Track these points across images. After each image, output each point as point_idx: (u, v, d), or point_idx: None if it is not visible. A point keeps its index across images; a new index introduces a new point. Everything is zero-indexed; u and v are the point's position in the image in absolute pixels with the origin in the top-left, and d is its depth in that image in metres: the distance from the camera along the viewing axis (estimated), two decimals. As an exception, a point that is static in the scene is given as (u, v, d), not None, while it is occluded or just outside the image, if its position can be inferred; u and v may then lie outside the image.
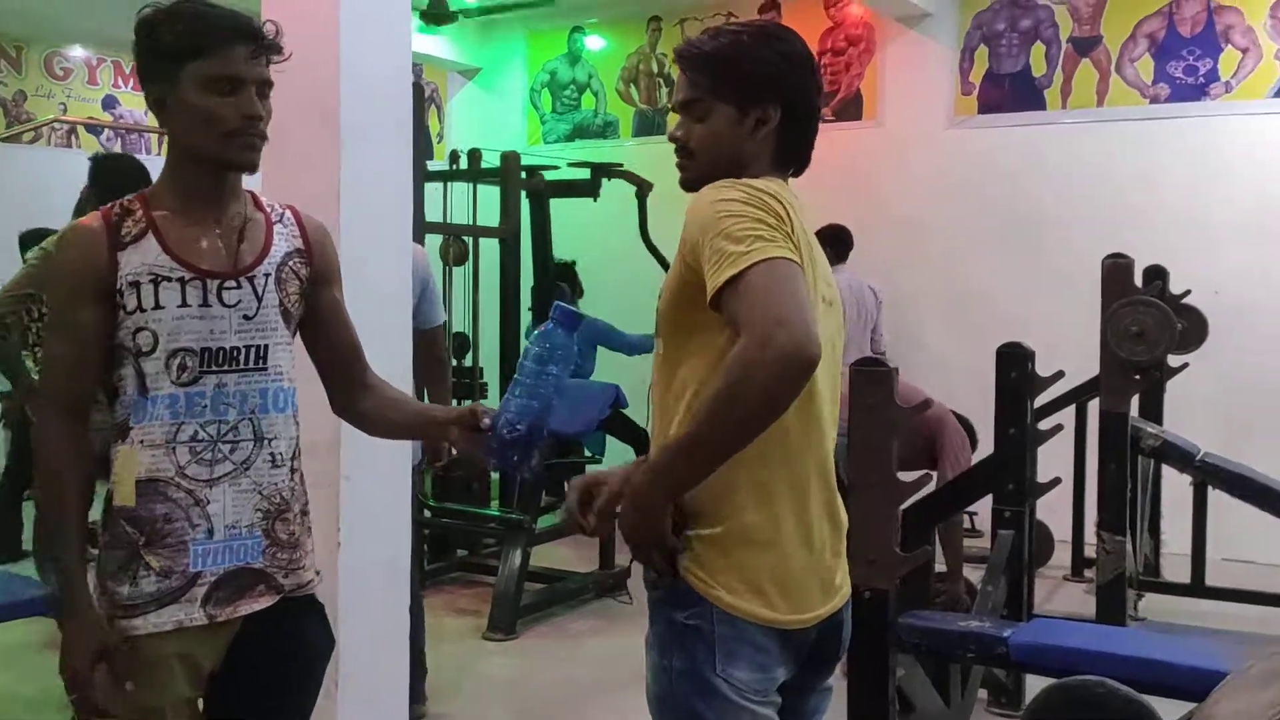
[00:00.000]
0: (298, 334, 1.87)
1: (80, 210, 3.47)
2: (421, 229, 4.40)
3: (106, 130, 8.57)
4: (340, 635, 2.70)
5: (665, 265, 6.35)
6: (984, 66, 6.72)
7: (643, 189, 6.27)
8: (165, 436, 1.70)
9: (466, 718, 3.78)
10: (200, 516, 1.70)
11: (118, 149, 8.43)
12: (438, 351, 3.81)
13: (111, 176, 3.62)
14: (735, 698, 1.57)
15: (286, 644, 1.80)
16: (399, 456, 2.92)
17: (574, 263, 6.61)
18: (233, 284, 1.74)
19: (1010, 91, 6.66)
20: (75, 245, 1.73)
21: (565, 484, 6.10)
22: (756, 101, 1.66)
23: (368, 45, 2.78)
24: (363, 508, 2.81)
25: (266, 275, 1.77)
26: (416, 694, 3.56)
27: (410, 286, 3.15)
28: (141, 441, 1.70)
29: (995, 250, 6.54)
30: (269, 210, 1.85)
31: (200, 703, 1.79)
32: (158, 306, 1.69)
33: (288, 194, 2.78)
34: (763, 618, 1.58)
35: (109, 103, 8.86)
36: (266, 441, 1.75)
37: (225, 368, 1.72)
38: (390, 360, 2.88)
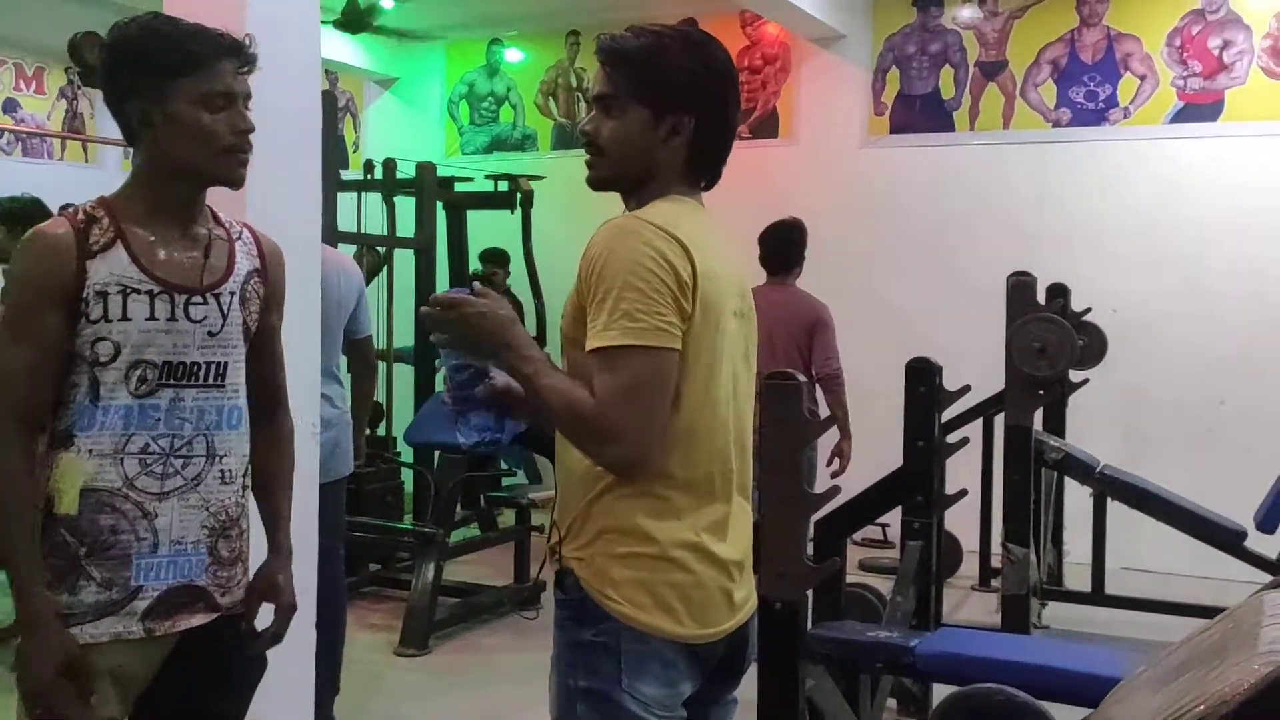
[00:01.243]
0: None
1: None
2: (334, 238, 4.34)
3: (6, 134, 8.27)
4: (244, 654, 2.65)
5: (535, 281, 6.36)
6: (895, 88, 6.87)
7: (526, 197, 6.26)
8: (115, 447, 1.69)
9: (376, 736, 3.71)
10: (147, 530, 1.69)
11: (19, 154, 8.16)
12: (370, 360, 3.86)
13: None
14: (641, 713, 1.57)
15: (220, 662, 1.79)
16: (307, 471, 2.86)
17: (492, 275, 6.58)
18: (199, 300, 1.74)
19: (921, 112, 6.82)
20: (44, 252, 1.69)
21: (481, 497, 6.06)
22: (672, 108, 1.64)
23: (276, 50, 2.72)
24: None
25: (232, 294, 1.78)
26: (325, 710, 3.49)
27: (318, 298, 3.10)
28: (90, 450, 1.68)
29: (906, 267, 6.68)
30: (228, 226, 1.84)
31: None
32: (124, 318, 1.68)
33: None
34: (670, 633, 1.58)
35: (9, 106, 8.56)
36: (218, 458, 1.75)
37: (185, 382, 1.73)
38: (297, 372, 2.83)
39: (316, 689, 3.11)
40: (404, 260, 5.99)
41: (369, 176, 6.08)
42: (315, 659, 3.04)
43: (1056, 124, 6.53)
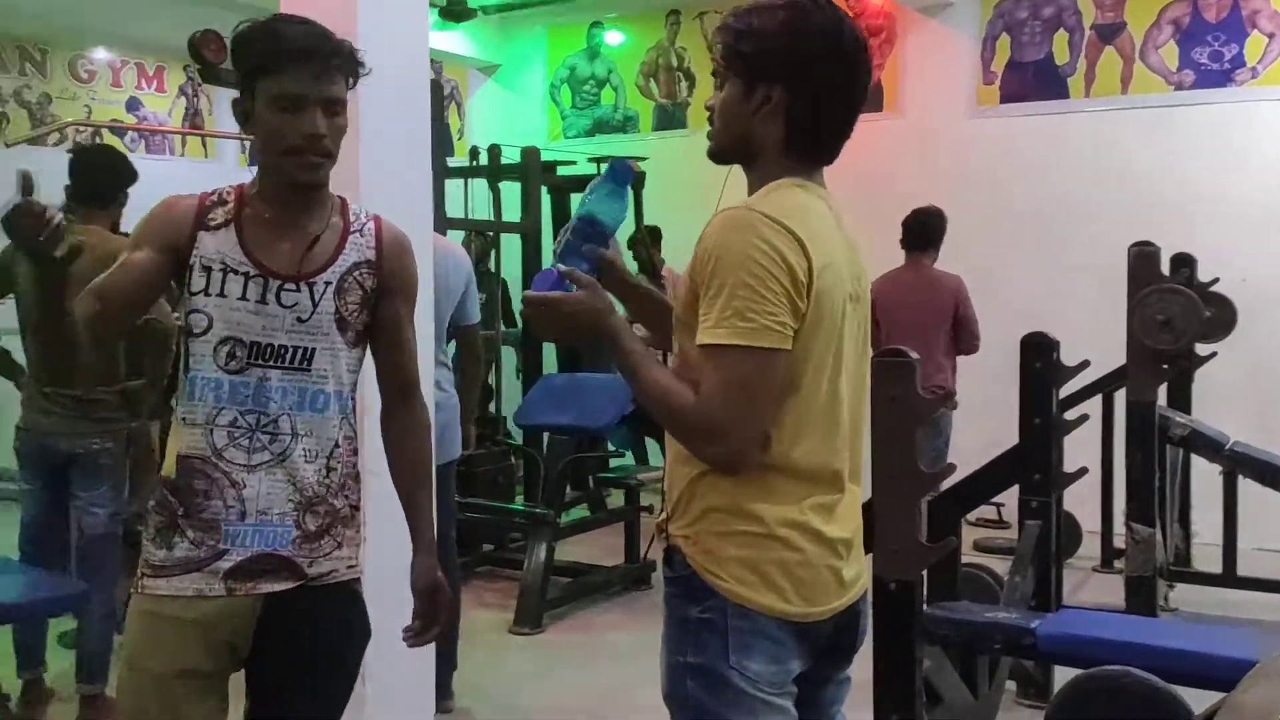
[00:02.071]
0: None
1: (65, 207, 3.52)
2: (443, 225, 4.42)
3: (130, 132, 8.63)
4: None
5: (644, 266, 6.35)
6: (1006, 55, 6.67)
7: (637, 177, 6.26)
8: (206, 418, 1.78)
9: (494, 712, 3.79)
10: (235, 499, 1.78)
11: (142, 151, 8.50)
12: (477, 347, 3.90)
13: (90, 170, 3.66)
14: (750, 689, 1.56)
15: (308, 629, 1.84)
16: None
17: (658, 228, 6.51)
18: (292, 286, 1.81)
19: (1033, 80, 6.61)
20: (166, 207, 1.83)
21: (589, 478, 6.12)
22: (761, 78, 1.60)
23: (385, 44, 2.78)
24: (387, 504, 2.80)
25: (327, 284, 1.83)
26: (444, 687, 3.58)
27: (431, 284, 3.16)
28: (185, 419, 1.80)
29: (1018, 241, 6.50)
30: (353, 219, 1.90)
31: (228, 684, 1.86)
32: (221, 295, 1.78)
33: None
34: (777, 611, 1.57)
35: (132, 105, 8.93)
36: (300, 437, 1.81)
37: (272, 363, 1.79)
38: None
39: (436, 665, 3.19)
40: (510, 244, 6.07)
41: (475, 163, 6.17)
42: (434, 636, 3.11)
43: (1179, 87, 6.26)
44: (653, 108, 7.89)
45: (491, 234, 6.08)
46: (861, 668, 1.85)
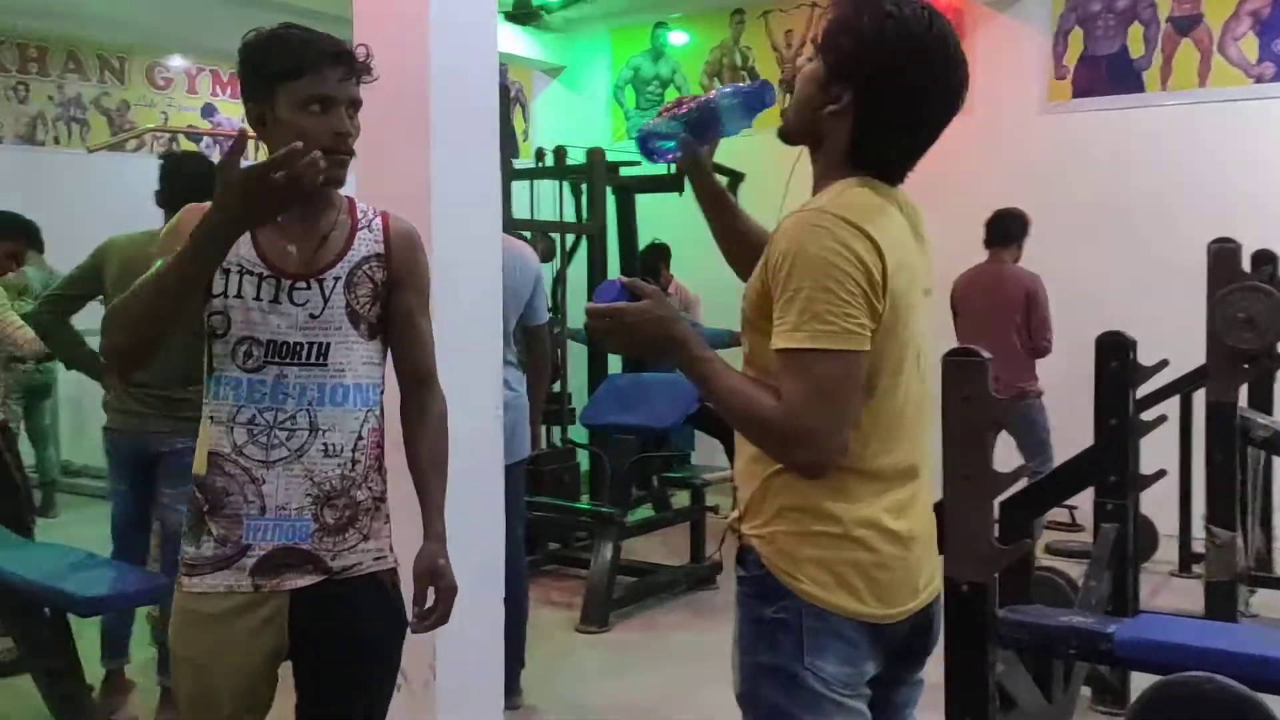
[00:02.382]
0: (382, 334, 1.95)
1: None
2: (509, 227, 4.47)
3: (205, 138, 8.84)
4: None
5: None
6: (1079, 49, 6.54)
7: (735, 179, 6.25)
8: (228, 416, 1.84)
9: (562, 709, 3.82)
10: (254, 494, 1.83)
11: (216, 155, 8.70)
12: (545, 347, 3.91)
13: (178, 176, 3.73)
14: (824, 690, 1.55)
15: (337, 622, 1.87)
16: (493, 450, 2.96)
17: (666, 245, 6.54)
18: (303, 285, 1.85)
19: (1107, 74, 6.48)
20: (190, 216, 1.85)
21: (654, 478, 6.13)
22: (837, 75, 1.57)
23: (457, 49, 2.82)
24: (457, 503, 2.83)
25: (337, 279, 1.87)
26: (513, 684, 3.61)
27: (500, 284, 3.19)
28: (211, 418, 1.86)
29: (1093, 239, 6.37)
30: (360, 215, 1.94)
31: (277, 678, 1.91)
32: (238, 296, 1.83)
33: (380, 196, 2.85)
34: (852, 611, 1.56)
35: (208, 110, 9.14)
36: (321, 432, 1.85)
37: (288, 361, 1.84)
38: (481, 357, 2.93)
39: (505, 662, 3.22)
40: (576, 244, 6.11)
41: (540, 164, 6.22)
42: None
43: (1259, 79, 6.08)
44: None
45: (557, 235, 6.12)
46: (933, 670, 1.83)
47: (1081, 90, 6.54)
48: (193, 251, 1.70)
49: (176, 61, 8.91)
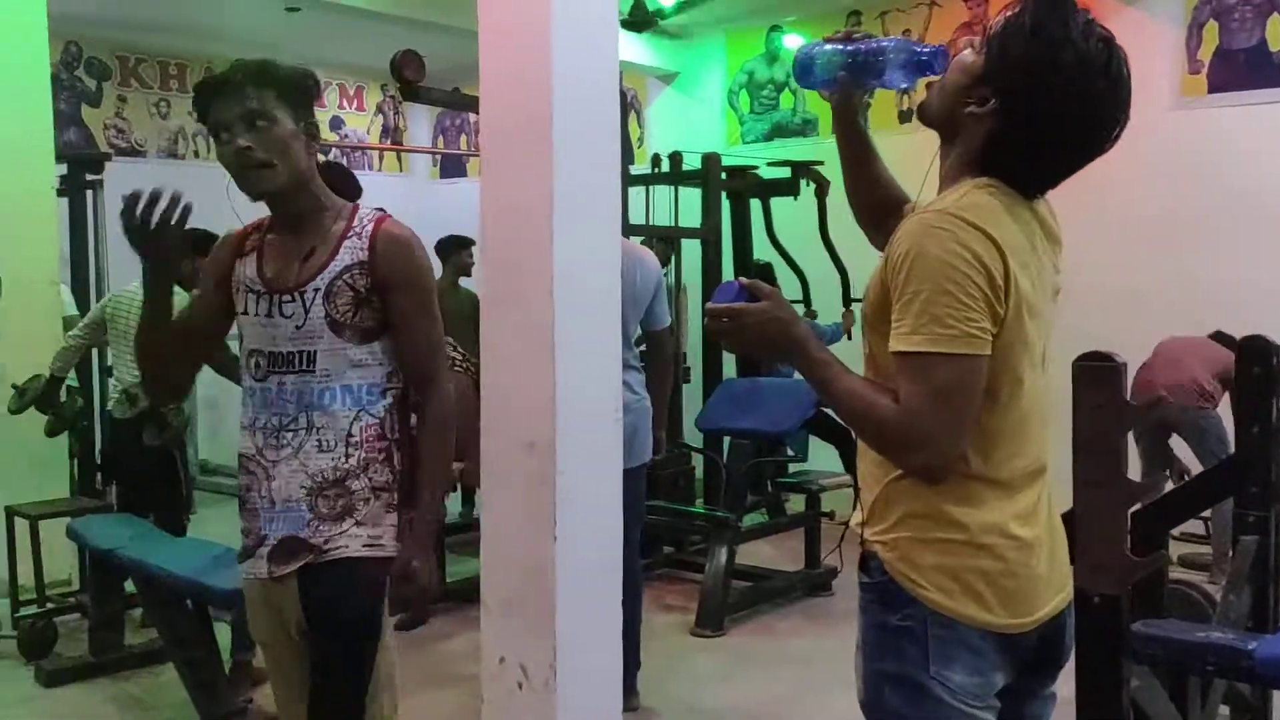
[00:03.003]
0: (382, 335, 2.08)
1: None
2: (625, 231, 4.51)
3: (333, 150, 9.15)
4: (557, 626, 2.81)
5: (840, 267, 6.26)
6: (1214, 42, 6.28)
7: (822, 187, 6.20)
8: (249, 422, 2.06)
9: (677, 712, 3.83)
10: (267, 490, 2.03)
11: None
12: (667, 351, 3.94)
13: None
14: (951, 700, 1.53)
15: (314, 601, 2.02)
16: (612, 455, 2.99)
17: (769, 264, 6.60)
18: (289, 298, 2.02)
19: (1244, 68, 6.20)
20: (218, 245, 2.18)
21: (768, 483, 6.11)
22: (989, 78, 1.53)
23: (578, 56, 2.86)
24: (577, 504, 2.89)
25: (316, 290, 2.02)
26: (629, 686, 3.65)
27: (619, 289, 3.22)
28: (241, 424, 2.09)
29: (1230, 238, 6.10)
30: (355, 223, 2.08)
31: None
32: (244, 312, 2.06)
33: (502, 202, 2.91)
34: (979, 621, 1.53)
35: (335, 123, 9.47)
36: (316, 430, 2.02)
37: (284, 369, 2.02)
38: (602, 361, 2.97)
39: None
40: (691, 249, 6.13)
41: (656, 170, 6.26)
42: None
43: None
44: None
45: (672, 239, 6.14)
46: (1064, 686, 1.78)
47: (1217, 85, 6.28)
48: (146, 294, 2.02)
49: (305, 76, 9.24)
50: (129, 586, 4.10)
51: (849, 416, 1.56)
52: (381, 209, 2.15)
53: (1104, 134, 1.54)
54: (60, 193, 5.40)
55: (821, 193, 6.23)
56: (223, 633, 3.64)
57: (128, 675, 4.08)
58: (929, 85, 1.66)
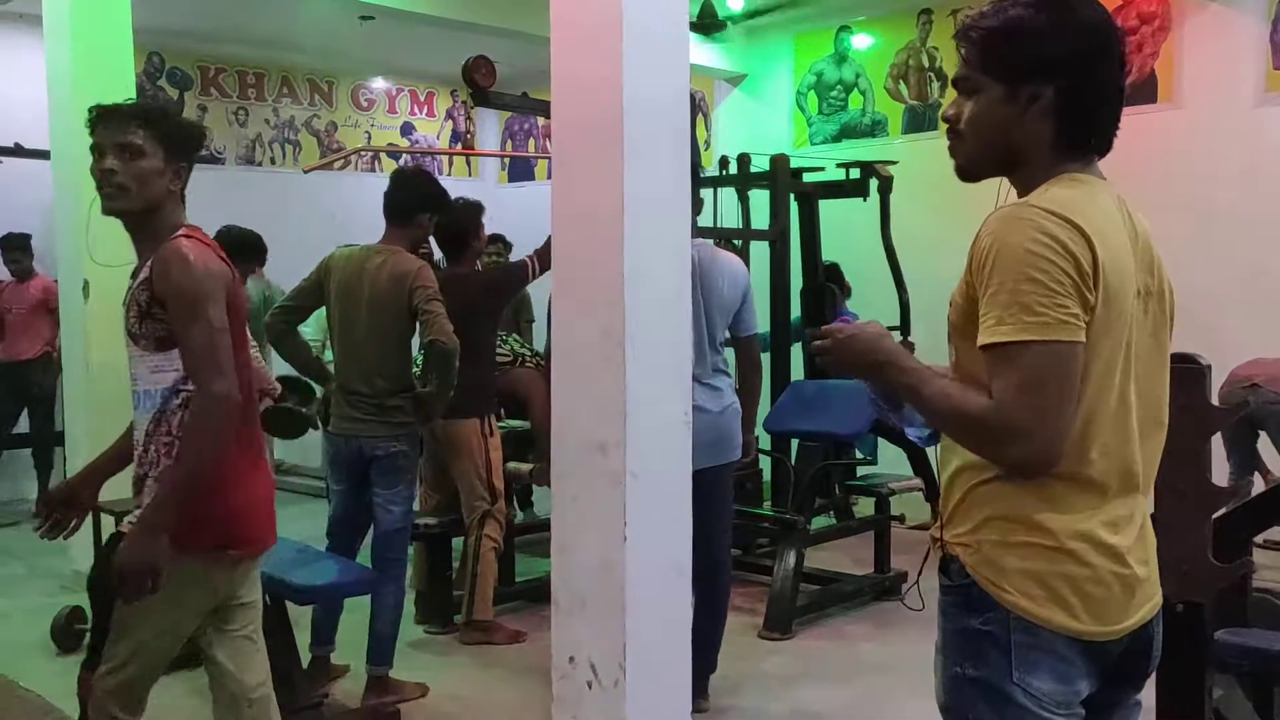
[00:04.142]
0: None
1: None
2: (693, 234, 4.51)
3: (404, 155, 9.29)
4: (627, 626, 2.82)
5: (897, 270, 6.17)
6: (1300, 36, 6.10)
7: (884, 184, 6.12)
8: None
9: (747, 715, 3.82)
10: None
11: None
12: (755, 357, 3.95)
13: (392, 191, 3.94)
14: (1034, 707, 1.51)
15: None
16: (682, 456, 3.00)
17: (837, 265, 6.55)
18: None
19: (1332, 61, 6.01)
20: (218, 267, 2.41)
21: (836, 486, 6.06)
22: (1027, 79, 1.54)
23: (649, 59, 2.88)
24: (647, 505, 2.90)
25: (124, 304, 2.34)
26: (700, 688, 3.65)
27: (688, 291, 3.23)
28: None
29: (1316, 237, 5.92)
30: (169, 241, 2.30)
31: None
32: None
33: (574, 206, 2.94)
34: (1064, 627, 1.50)
35: (406, 129, 9.62)
36: (137, 430, 2.37)
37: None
38: (672, 363, 2.98)
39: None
40: (759, 252, 6.11)
41: (724, 172, 6.25)
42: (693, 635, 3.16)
43: None
44: (902, 110, 7.73)
45: (740, 242, 6.13)
46: (1145, 693, 1.75)
47: (1304, 80, 6.09)
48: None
49: (378, 83, 9.41)
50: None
51: (941, 418, 1.55)
52: (191, 228, 2.37)
53: (1124, 56, 1.59)
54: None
55: (885, 190, 6.16)
56: (301, 628, 3.71)
57: (208, 669, 4.18)
58: (950, 150, 1.65)
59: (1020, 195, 1.60)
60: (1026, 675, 1.51)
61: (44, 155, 5.75)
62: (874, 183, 6.17)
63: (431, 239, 4.31)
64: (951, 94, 1.69)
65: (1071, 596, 1.51)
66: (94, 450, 5.03)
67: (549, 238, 4.38)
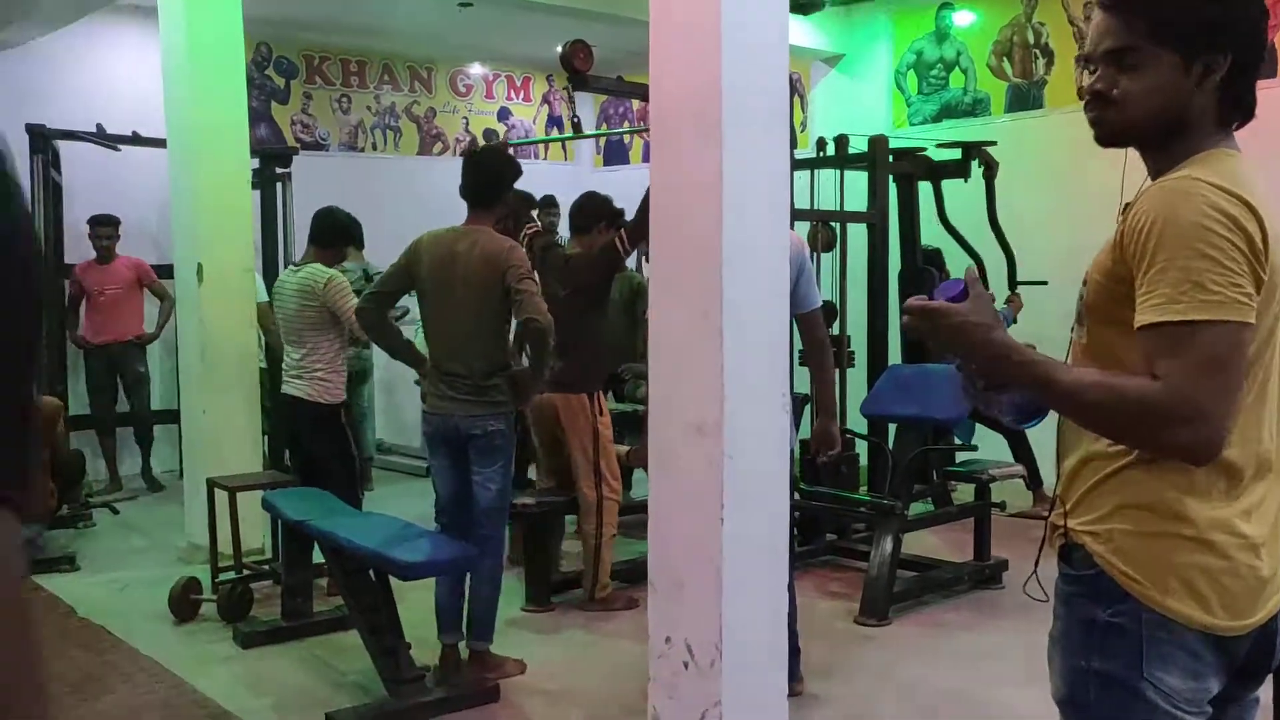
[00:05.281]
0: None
1: None
2: (790, 216, 4.47)
3: (499, 141, 9.40)
4: (723, 607, 2.84)
5: (1009, 254, 6.03)
6: None
7: (991, 169, 5.99)
8: None
9: (843, 699, 3.81)
10: None
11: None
12: (819, 334, 3.85)
13: (471, 172, 3.94)
14: (1164, 705, 1.46)
15: None
16: (779, 439, 3.00)
17: (939, 250, 6.44)
18: None
19: None
20: None
21: (934, 471, 5.97)
22: (1206, 48, 1.48)
23: (748, 38, 2.86)
24: (744, 487, 2.91)
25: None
26: (794, 672, 3.64)
27: (787, 273, 3.21)
28: None
29: None
30: None
31: None
32: None
33: (675, 188, 2.95)
34: (1200, 623, 1.46)
35: (503, 114, 9.72)
36: None
37: None
38: (770, 344, 2.97)
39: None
40: (857, 234, 6.04)
41: (821, 153, 6.18)
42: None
43: None
44: (1006, 88, 7.52)
45: (837, 224, 6.07)
46: (1262, 689, 1.70)
47: None
48: None
49: (476, 69, 9.53)
50: (316, 555, 4.34)
51: (1091, 408, 1.44)
52: None
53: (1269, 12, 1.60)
54: (252, 185, 5.75)
55: (990, 174, 6.04)
56: (405, 604, 3.81)
57: (316, 639, 4.33)
58: (1094, 120, 1.57)
59: (1156, 167, 1.55)
60: (1158, 671, 1.46)
61: (160, 144, 5.97)
62: (976, 163, 6.05)
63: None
64: (1064, 68, 1.64)
65: (1207, 590, 1.46)
66: (212, 428, 5.30)
67: (636, 214, 4.43)
